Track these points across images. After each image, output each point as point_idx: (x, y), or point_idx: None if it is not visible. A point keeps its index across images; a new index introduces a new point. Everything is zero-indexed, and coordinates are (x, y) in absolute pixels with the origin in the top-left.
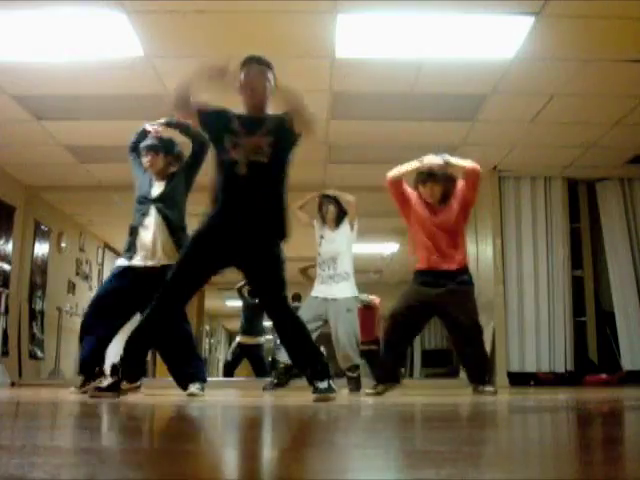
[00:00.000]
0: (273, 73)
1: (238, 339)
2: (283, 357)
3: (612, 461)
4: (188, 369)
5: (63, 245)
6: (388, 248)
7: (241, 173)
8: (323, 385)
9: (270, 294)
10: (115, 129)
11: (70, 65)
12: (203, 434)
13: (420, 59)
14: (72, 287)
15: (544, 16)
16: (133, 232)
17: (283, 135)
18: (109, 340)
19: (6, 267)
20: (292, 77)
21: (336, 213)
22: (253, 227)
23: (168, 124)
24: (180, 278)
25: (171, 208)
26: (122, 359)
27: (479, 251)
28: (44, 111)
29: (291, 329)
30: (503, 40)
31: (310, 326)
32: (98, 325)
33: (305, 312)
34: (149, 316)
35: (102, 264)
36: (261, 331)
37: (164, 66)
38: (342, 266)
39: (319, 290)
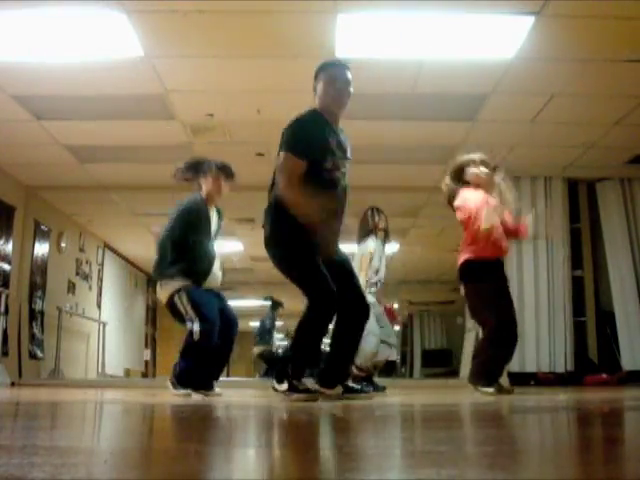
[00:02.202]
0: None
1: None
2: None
3: (612, 461)
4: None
5: (63, 245)
6: (388, 248)
7: (340, 195)
8: (355, 385)
9: (349, 283)
10: (115, 129)
11: (70, 65)
12: (203, 434)
13: (420, 59)
14: (72, 287)
15: (544, 16)
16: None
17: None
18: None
19: (6, 267)
20: (292, 77)
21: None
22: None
23: None
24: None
25: None
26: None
27: None
28: (44, 111)
29: (356, 324)
30: (503, 40)
31: None
32: None
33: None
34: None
35: (102, 264)
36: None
37: (164, 66)
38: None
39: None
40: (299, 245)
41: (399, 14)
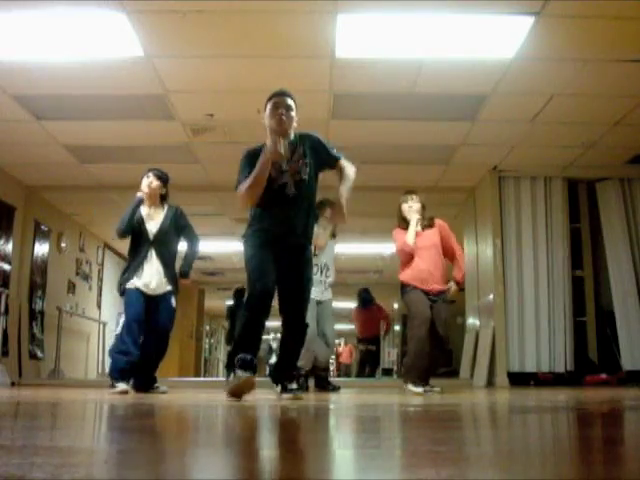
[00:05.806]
0: (295, 102)
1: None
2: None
3: (612, 461)
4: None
5: (63, 245)
6: (388, 248)
7: (290, 193)
8: (293, 386)
9: (295, 296)
10: (115, 129)
11: (70, 65)
12: (202, 434)
13: (420, 59)
14: (72, 287)
15: (544, 16)
16: None
17: (317, 155)
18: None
19: (6, 267)
20: (292, 77)
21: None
22: (295, 234)
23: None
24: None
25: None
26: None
27: (479, 251)
28: (44, 111)
29: (298, 338)
30: (503, 40)
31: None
32: None
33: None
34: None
35: (102, 264)
36: None
37: (164, 66)
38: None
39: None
40: (251, 244)
41: (399, 14)
